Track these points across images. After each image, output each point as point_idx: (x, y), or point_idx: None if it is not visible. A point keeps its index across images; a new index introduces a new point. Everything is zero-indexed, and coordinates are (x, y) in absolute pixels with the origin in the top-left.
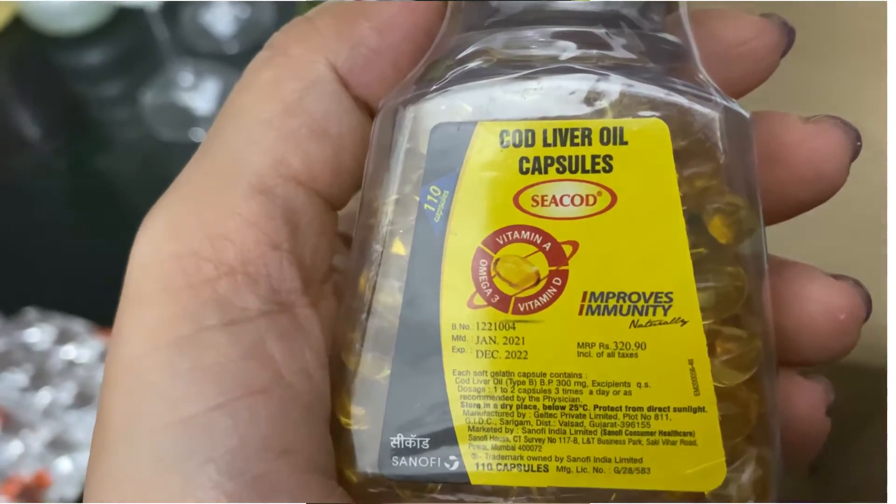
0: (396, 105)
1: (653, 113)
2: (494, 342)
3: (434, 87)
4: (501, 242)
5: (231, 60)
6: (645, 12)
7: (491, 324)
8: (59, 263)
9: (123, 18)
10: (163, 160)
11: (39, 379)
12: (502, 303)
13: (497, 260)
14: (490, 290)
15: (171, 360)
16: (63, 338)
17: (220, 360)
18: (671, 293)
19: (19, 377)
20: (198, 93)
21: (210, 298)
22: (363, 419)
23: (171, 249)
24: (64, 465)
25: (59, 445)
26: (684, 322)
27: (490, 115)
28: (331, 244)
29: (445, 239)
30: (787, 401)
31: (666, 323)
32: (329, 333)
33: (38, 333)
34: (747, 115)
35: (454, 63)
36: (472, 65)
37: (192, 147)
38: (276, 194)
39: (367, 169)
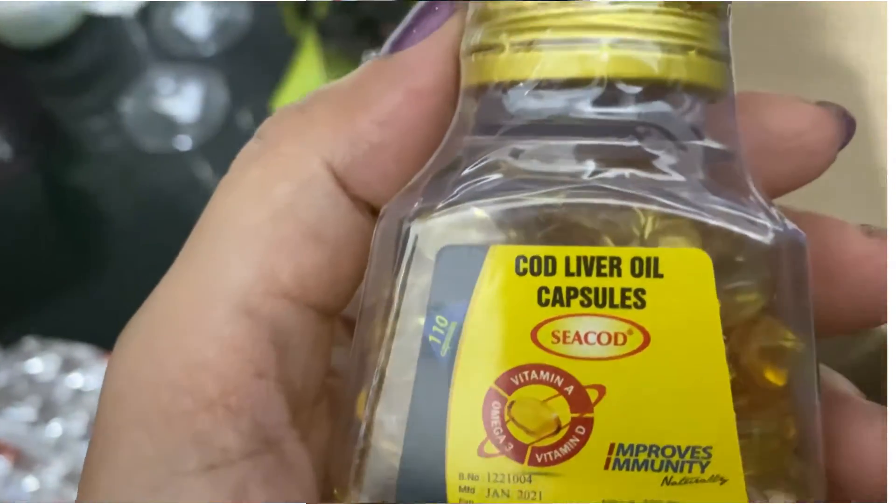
0: (401, 218)
1: (692, 242)
2: (508, 496)
3: (441, 203)
4: (517, 383)
5: (211, 62)
6: (684, 118)
7: (504, 475)
8: (50, 286)
9: (94, 26)
10: (146, 171)
11: (48, 411)
12: (517, 452)
13: (512, 403)
14: (503, 436)
15: None
16: (68, 366)
17: None
18: (710, 447)
19: (26, 411)
20: (179, 98)
21: (188, 437)
22: None
23: (147, 379)
24: None
25: (76, 478)
26: (724, 480)
27: (505, 238)
28: (325, 360)
29: (453, 376)
30: None
31: (703, 481)
32: (321, 466)
33: (40, 364)
34: (804, 238)
35: (465, 175)
36: (485, 179)
37: (175, 156)
38: (262, 314)
39: (367, 279)
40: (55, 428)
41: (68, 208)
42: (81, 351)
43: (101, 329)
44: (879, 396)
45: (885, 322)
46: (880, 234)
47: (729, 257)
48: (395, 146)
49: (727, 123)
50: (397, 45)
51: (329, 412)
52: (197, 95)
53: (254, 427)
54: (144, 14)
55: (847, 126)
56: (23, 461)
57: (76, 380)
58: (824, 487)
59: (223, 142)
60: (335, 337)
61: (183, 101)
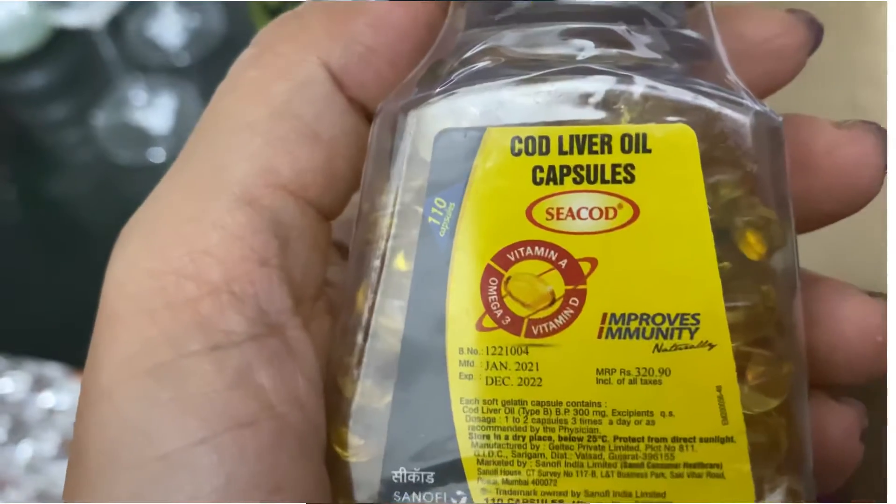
0: (397, 109)
1: (679, 118)
2: (506, 368)
3: (438, 89)
4: (513, 259)
5: (184, 73)
6: (667, 6)
7: (502, 348)
8: (22, 303)
9: (64, 38)
10: (120, 183)
11: (18, 432)
12: (514, 325)
13: (508, 278)
14: (501, 311)
15: (150, 390)
16: (39, 385)
17: (204, 389)
18: (698, 314)
19: None
20: (152, 110)
21: (192, 321)
22: (362, 451)
23: (149, 267)
24: None
25: (47, 499)
26: (712, 346)
27: (500, 120)
28: (324, 258)
29: (452, 255)
30: (820, 426)
31: (692, 347)
32: (323, 356)
33: (10, 383)
34: (779, 119)
35: (459, 63)
36: (479, 65)
37: (150, 168)
38: (263, 205)
39: (364, 177)
40: (25, 449)
41: (42, 222)
42: (53, 369)
43: (74, 346)
44: (879, 397)
45: (860, 209)
46: (848, 126)
47: (710, 149)
48: (388, 48)
49: (707, 23)
50: None
51: (328, 310)
52: (170, 107)
53: (258, 312)
54: (116, 25)
55: (815, 32)
56: None
57: (47, 399)
58: (804, 359)
59: None
60: (330, 256)
61: (156, 112)
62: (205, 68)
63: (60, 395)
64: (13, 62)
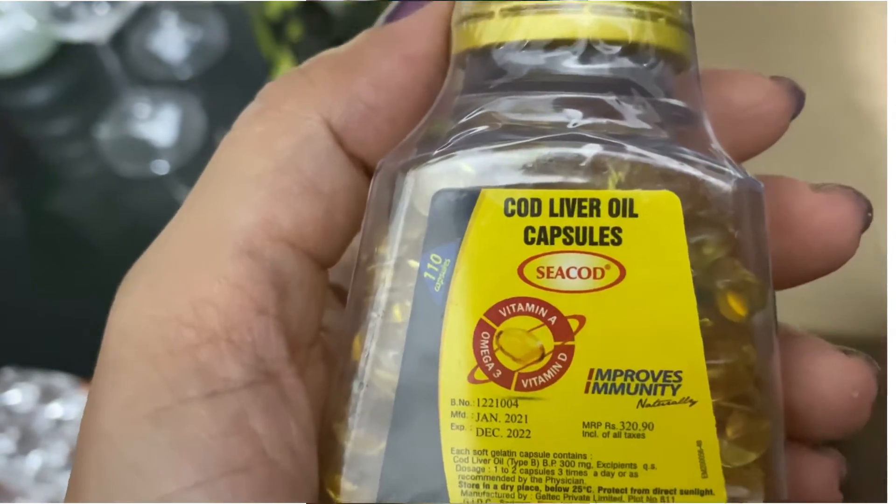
0: (397, 168)
1: (664, 185)
2: (496, 420)
3: (437, 150)
4: (505, 315)
5: (186, 86)
6: (655, 78)
7: (492, 400)
8: (28, 315)
9: (68, 52)
10: (124, 196)
11: (27, 443)
12: (505, 378)
13: (500, 333)
14: (492, 364)
15: (149, 433)
16: (47, 396)
17: (201, 435)
18: (680, 372)
19: (5, 443)
20: (156, 123)
21: (191, 367)
22: (355, 496)
23: (152, 314)
24: None
25: None
26: (693, 402)
27: (495, 181)
28: (320, 306)
29: (446, 309)
30: (800, 477)
31: (674, 403)
32: (316, 404)
33: (18, 394)
34: (761, 186)
35: (458, 126)
36: (476, 129)
37: (154, 181)
38: (263, 256)
39: (364, 230)
40: (35, 459)
41: (47, 236)
42: (61, 380)
43: (81, 357)
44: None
45: (836, 269)
46: (825, 189)
47: (694, 210)
48: (388, 107)
49: (693, 91)
50: (391, 18)
51: (323, 357)
52: (174, 119)
53: (254, 360)
54: (119, 39)
55: (798, 99)
56: (2, 495)
57: (56, 409)
58: (782, 414)
59: (202, 165)
60: (327, 300)
61: (160, 125)
62: (207, 81)
63: (68, 405)
64: (17, 77)
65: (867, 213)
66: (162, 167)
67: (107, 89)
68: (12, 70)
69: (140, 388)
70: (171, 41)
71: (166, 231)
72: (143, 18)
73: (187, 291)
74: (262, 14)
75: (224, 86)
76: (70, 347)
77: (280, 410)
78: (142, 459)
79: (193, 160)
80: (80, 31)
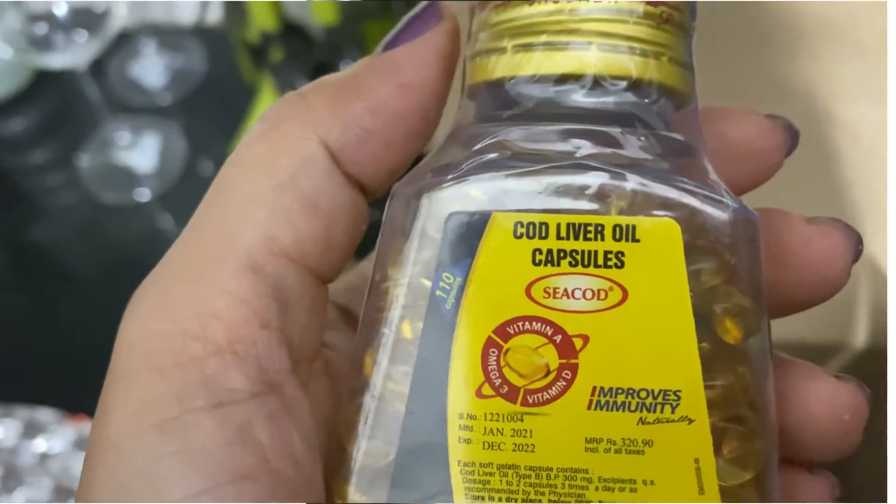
0: (412, 192)
1: (665, 213)
2: (502, 434)
3: (450, 176)
4: (512, 332)
5: (167, 112)
6: (657, 112)
7: (499, 415)
8: (10, 348)
9: (47, 81)
10: (106, 224)
11: (11, 479)
12: (511, 394)
13: (507, 350)
14: (499, 380)
15: (156, 442)
16: (31, 431)
17: (206, 444)
18: (679, 391)
19: None
20: (137, 150)
21: (197, 379)
22: None
23: (159, 327)
24: None
25: None
26: (691, 420)
27: (505, 206)
28: (321, 321)
29: (456, 326)
30: (794, 497)
31: (673, 421)
32: (318, 415)
33: (1, 430)
34: (756, 216)
35: (470, 154)
36: (488, 156)
37: (135, 208)
38: (266, 272)
39: (378, 251)
40: (19, 496)
41: (28, 265)
42: (45, 414)
43: (65, 390)
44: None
45: (829, 299)
46: (818, 222)
47: (693, 240)
48: (384, 132)
49: (692, 126)
50: (389, 46)
51: (325, 371)
52: (155, 146)
53: (258, 371)
54: (98, 66)
55: (792, 136)
56: None
57: (40, 444)
58: (776, 435)
59: (183, 192)
60: (332, 322)
61: (141, 152)
62: (187, 107)
63: (53, 440)
64: None
65: (858, 246)
66: (143, 194)
67: (87, 117)
68: None
69: (148, 398)
70: (151, 68)
71: (174, 248)
72: (122, 45)
73: (193, 305)
74: (243, 39)
75: (205, 111)
76: (54, 380)
77: (283, 420)
78: (149, 467)
79: (175, 187)
80: (59, 60)
